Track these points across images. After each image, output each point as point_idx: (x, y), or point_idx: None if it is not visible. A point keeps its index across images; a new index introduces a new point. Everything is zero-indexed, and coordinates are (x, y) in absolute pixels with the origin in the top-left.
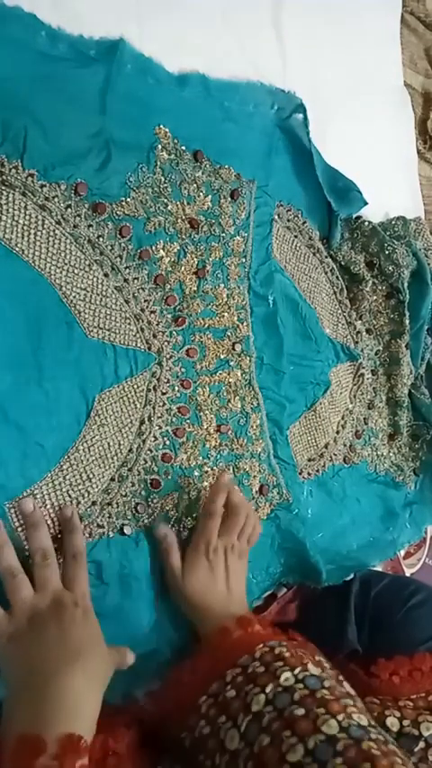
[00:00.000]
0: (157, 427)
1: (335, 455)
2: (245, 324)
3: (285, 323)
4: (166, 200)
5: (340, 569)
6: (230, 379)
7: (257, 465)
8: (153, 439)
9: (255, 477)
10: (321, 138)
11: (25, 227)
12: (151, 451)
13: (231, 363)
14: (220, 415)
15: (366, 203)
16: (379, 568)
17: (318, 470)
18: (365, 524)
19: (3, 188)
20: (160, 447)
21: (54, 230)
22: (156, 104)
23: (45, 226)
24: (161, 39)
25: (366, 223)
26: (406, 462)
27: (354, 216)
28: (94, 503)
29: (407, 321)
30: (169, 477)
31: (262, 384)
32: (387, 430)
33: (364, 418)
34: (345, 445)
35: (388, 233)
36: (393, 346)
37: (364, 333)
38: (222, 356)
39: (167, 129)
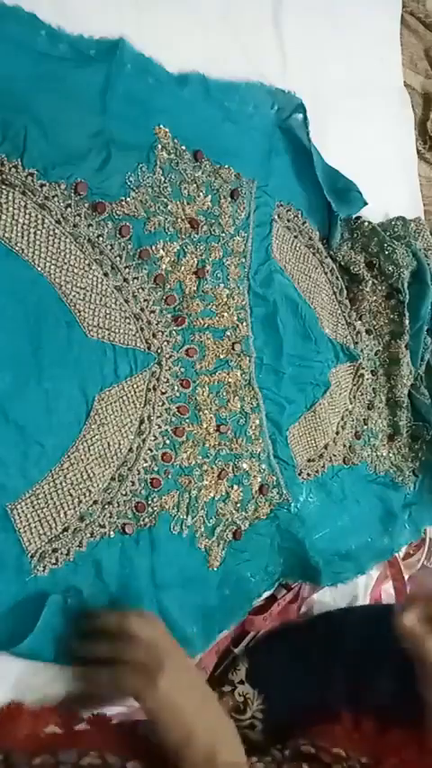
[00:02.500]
0: (156, 426)
1: (334, 456)
2: (244, 324)
3: (285, 323)
4: (165, 200)
5: (339, 570)
6: (230, 379)
7: (257, 465)
8: (153, 438)
9: (255, 477)
10: (321, 138)
11: (25, 227)
12: (151, 451)
13: (231, 363)
14: (220, 414)
15: (366, 203)
16: (378, 569)
17: (317, 471)
18: (364, 525)
19: (2, 187)
20: (160, 446)
21: (54, 229)
22: (156, 104)
23: (45, 225)
24: (161, 39)
25: (366, 223)
26: (405, 463)
27: (354, 216)
28: (95, 502)
29: (406, 321)
30: (169, 477)
31: (261, 384)
32: (387, 430)
33: (364, 419)
34: (344, 446)
35: (388, 233)
36: (393, 347)
37: (364, 333)
38: (222, 356)
39: (167, 129)
